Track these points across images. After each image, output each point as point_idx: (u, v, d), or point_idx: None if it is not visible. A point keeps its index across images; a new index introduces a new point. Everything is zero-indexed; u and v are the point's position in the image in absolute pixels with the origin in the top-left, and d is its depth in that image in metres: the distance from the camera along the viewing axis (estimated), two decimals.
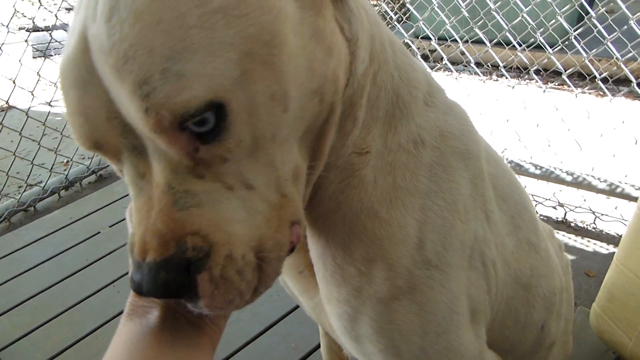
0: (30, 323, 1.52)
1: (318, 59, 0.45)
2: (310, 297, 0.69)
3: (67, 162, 2.51)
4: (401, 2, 3.86)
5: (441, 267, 0.56)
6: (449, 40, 3.22)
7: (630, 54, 2.08)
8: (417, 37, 3.25)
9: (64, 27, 4.83)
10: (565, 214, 1.91)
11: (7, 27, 2.16)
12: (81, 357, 1.39)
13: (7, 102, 2.07)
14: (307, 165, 0.49)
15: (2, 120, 2.08)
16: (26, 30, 4.68)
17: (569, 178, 1.86)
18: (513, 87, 2.14)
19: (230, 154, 0.41)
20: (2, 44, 2.13)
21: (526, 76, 3.39)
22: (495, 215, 0.64)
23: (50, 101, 2.48)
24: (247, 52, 0.39)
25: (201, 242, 0.41)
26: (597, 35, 2.07)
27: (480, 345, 0.62)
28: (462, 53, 3.23)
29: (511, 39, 2.31)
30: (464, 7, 2.25)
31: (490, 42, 2.21)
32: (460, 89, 2.61)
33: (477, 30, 2.30)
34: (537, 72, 2.82)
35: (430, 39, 2.55)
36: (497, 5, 2.13)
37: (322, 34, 0.45)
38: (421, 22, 2.31)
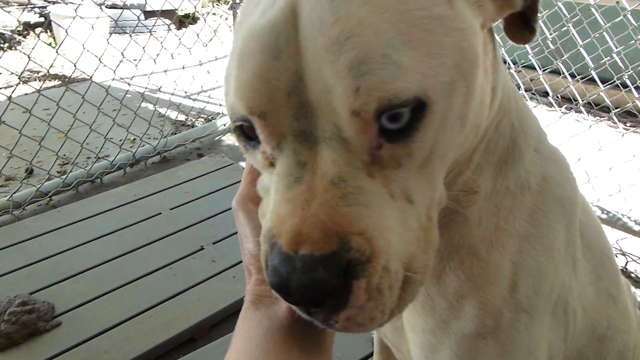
0: (90, 292, 1.59)
1: (486, 92, 0.46)
2: (392, 320, 0.70)
3: (134, 139, 2.61)
4: None
5: (530, 311, 0.56)
6: (519, 66, 3.16)
7: None
8: None
9: (140, 6, 5.01)
10: (627, 263, 1.85)
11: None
12: (135, 333, 1.44)
13: (90, 77, 2.17)
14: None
15: (81, 92, 2.19)
16: (105, 7, 4.89)
17: (636, 227, 1.80)
18: (590, 127, 2.08)
19: (409, 159, 0.40)
20: (83, 17, 2.23)
21: (604, 115, 3.29)
22: (580, 264, 0.64)
23: (127, 78, 2.59)
24: (457, 64, 0.40)
25: (365, 245, 0.38)
26: None
27: None
28: (532, 80, 3.16)
29: (594, 75, 2.25)
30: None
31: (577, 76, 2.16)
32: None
33: (556, 61, 2.25)
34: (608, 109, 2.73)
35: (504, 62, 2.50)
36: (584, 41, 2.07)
37: (487, 72, 0.47)
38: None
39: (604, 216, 1.87)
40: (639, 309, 1.00)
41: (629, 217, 1.83)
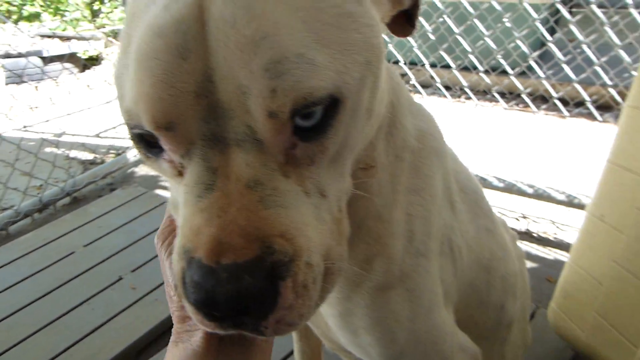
0: (6, 341, 1.51)
1: (384, 81, 0.51)
2: None
3: (41, 185, 2.51)
4: None
5: (426, 254, 0.61)
6: (418, 65, 3.36)
7: (584, 76, 2.21)
8: (388, 62, 3.37)
9: (38, 53, 4.85)
10: (528, 224, 2.00)
11: None
12: None
13: None
14: None
15: None
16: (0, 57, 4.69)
17: (530, 190, 1.96)
18: (475, 105, 2.25)
19: (322, 155, 0.41)
20: None
21: (491, 98, 3.55)
22: (458, 205, 0.70)
23: (25, 126, 2.50)
24: (367, 60, 0.41)
25: (287, 245, 0.38)
26: (558, 60, 2.21)
27: (453, 323, 0.68)
28: (432, 77, 3.37)
29: (477, 64, 2.44)
30: (431, 32, 2.38)
31: (458, 67, 2.33)
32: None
33: (444, 55, 2.42)
34: (502, 94, 2.96)
35: (399, 62, 2.66)
36: (462, 30, 2.25)
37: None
38: (392, 48, 2.42)
39: (502, 185, 2.02)
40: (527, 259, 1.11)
41: (522, 182, 1.99)
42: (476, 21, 2.36)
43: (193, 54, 0.36)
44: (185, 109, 0.37)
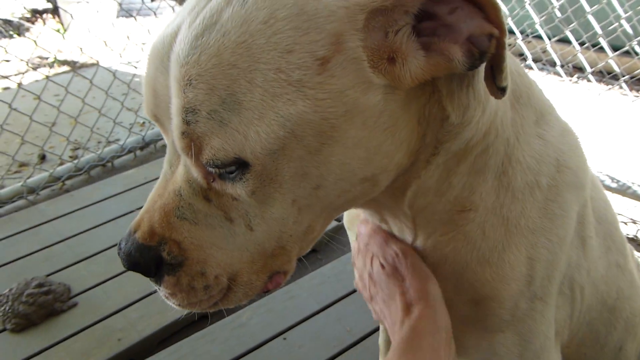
0: (104, 273, 1.63)
1: (382, 151, 0.44)
2: None
3: (143, 123, 2.63)
4: None
5: (544, 298, 0.57)
6: (529, 36, 3.10)
7: None
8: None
9: None
10: (638, 231, 1.84)
11: None
12: (149, 311, 1.49)
13: (97, 61, 2.18)
14: (328, 222, 0.51)
15: (89, 77, 2.21)
16: None
17: None
18: (599, 94, 2.05)
19: (240, 199, 0.44)
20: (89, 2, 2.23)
21: (614, 82, 3.23)
22: (591, 240, 0.64)
23: (135, 62, 2.60)
24: (297, 135, 0.39)
25: (177, 252, 0.47)
26: None
27: None
28: (543, 51, 3.10)
29: (600, 40, 2.20)
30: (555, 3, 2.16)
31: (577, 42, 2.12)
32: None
33: (565, 29, 2.21)
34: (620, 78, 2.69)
35: (512, 32, 2.46)
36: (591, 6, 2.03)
37: (399, 126, 0.44)
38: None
39: (614, 185, 1.86)
40: None
41: (639, 185, 1.82)
42: None
43: (165, 71, 0.42)
44: (163, 111, 0.44)
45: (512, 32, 2.74)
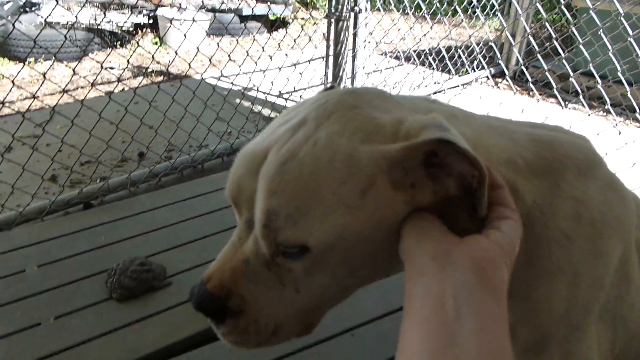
0: (195, 260, 1.81)
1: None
2: None
3: (230, 132, 2.87)
4: (566, 34, 3.76)
5: (581, 327, 0.64)
6: (610, 80, 3.10)
7: None
8: (575, 71, 3.16)
9: (238, 11, 5.37)
10: None
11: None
12: None
13: (196, 73, 2.42)
14: (360, 286, 0.64)
15: (180, 87, 2.46)
16: (206, 10, 5.29)
17: None
18: None
19: (295, 271, 0.57)
20: (191, 20, 2.49)
21: None
22: (635, 278, 0.70)
23: (231, 76, 2.83)
24: (343, 237, 0.54)
25: (240, 303, 0.59)
26: None
27: None
28: (624, 96, 3.08)
29: None
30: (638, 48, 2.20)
31: None
32: (614, 134, 2.55)
33: None
34: None
35: (592, 75, 2.51)
36: None
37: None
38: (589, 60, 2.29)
39: None
40: None
41: None
42: None
43: (253, 173, 0.56)
44: (243, 200, 0.58)
45: (591, 75, 2.78)
